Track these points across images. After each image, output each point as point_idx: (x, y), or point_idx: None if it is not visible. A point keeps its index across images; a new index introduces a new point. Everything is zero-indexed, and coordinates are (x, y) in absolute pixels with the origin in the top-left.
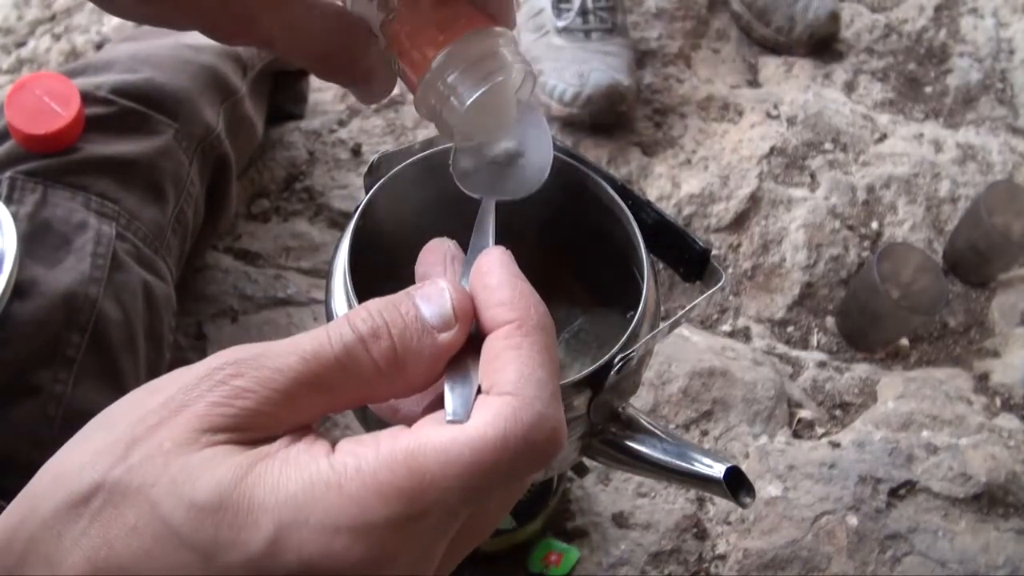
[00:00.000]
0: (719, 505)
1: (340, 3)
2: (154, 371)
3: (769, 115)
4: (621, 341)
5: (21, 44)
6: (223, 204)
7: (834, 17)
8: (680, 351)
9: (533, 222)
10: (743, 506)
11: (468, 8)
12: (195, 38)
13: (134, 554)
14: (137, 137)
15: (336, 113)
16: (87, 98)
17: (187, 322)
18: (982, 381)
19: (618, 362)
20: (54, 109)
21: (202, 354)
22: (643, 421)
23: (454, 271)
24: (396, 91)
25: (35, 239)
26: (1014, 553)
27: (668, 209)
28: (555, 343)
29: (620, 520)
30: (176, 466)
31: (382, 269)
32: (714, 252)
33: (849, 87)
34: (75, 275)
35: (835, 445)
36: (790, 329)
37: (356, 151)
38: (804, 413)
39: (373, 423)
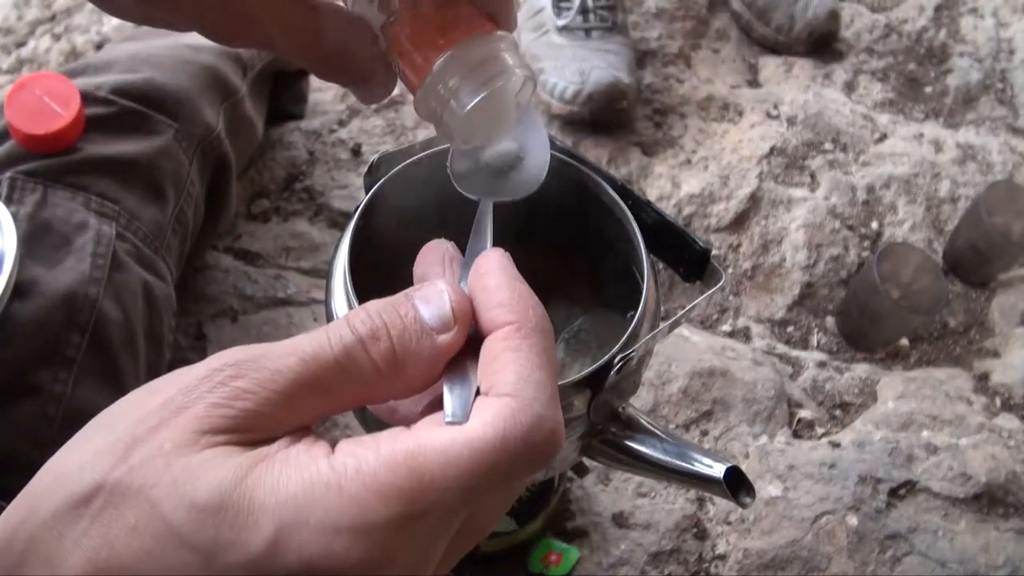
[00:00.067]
0: (719, 505)
1: (341, 3)
2: (154, 371)
3: (769, 115)
4: (621, 341)
5: (21, 44)
6: (223, 204)
7: (834, 16)
8: (680, 351)
9: (533, 222)
10: (743, 506)
11: (469, 10)
12: (195, 38)
13: (135, 554)
14: (137, 137)
15: (336, 113)
16: (87, 98)
17: (187, 322)
18: (982, 381)
19: (618, 362)
20: (54, 109)
21: (202, 354)
22: (643, 421)
23: (452, 272)
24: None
25: (35, 239)
26: (1014, 553)
27: (668, 209)
28: (553, 345)
29: (620, 520)
30: (177, 467)
31: (382, 269)
32: (714, 252)
33: (849, 87)
34: (75, 275)
35: (835, 445)
36: (790, 329)
37: (356, 151)
38: (804, 413)
39: (373, 423)
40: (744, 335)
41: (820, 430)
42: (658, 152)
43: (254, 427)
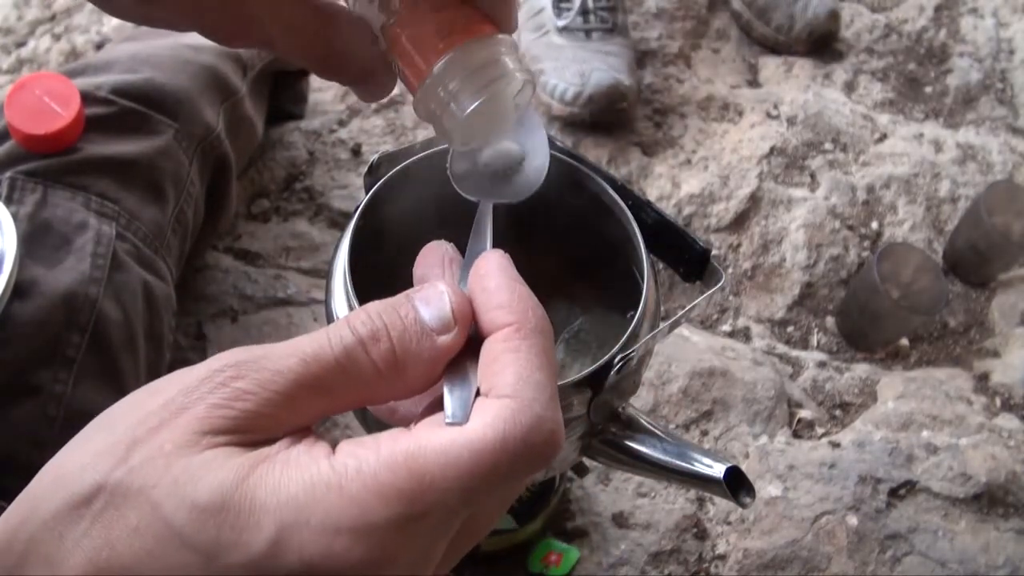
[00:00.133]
0: (719, 505)
1: (343, 3)
2: (154, 371)
3: (769, 115)
4: (621, 341)
5: (21, 44)
6: (223, 204)
7: (834, 16)
8: (680, 351)
9: (533, 222)
10: (743, 506)
11: (469, 11)
12: (195, 38)
13: (136, 555)
14: (137, 137)
15: (336, 113)
16: (87, 98)
17: (187, 322)
18: (982, 381)
19: (618, 362)
20: (54, 109)
21: (202, 354)
22: (643, 421)
23: (452, 274)
24: (396, 91)
25: (35, 239)
26: (1014, 553)
27: (668, 209)
28: (553, 346)
29: (620, 520)
30: (177, 468)
31: (382, 269)
32: (714, 252)
33: (849, 87)
34: (75, 275)
35: (835, 445)
36: (790, 329)
37: (356, 151)
38: (804, 413)
39: (373, 424)
40: (744, 335)
41: (820, 430)
42: (658, 152)
43: (255, 428)
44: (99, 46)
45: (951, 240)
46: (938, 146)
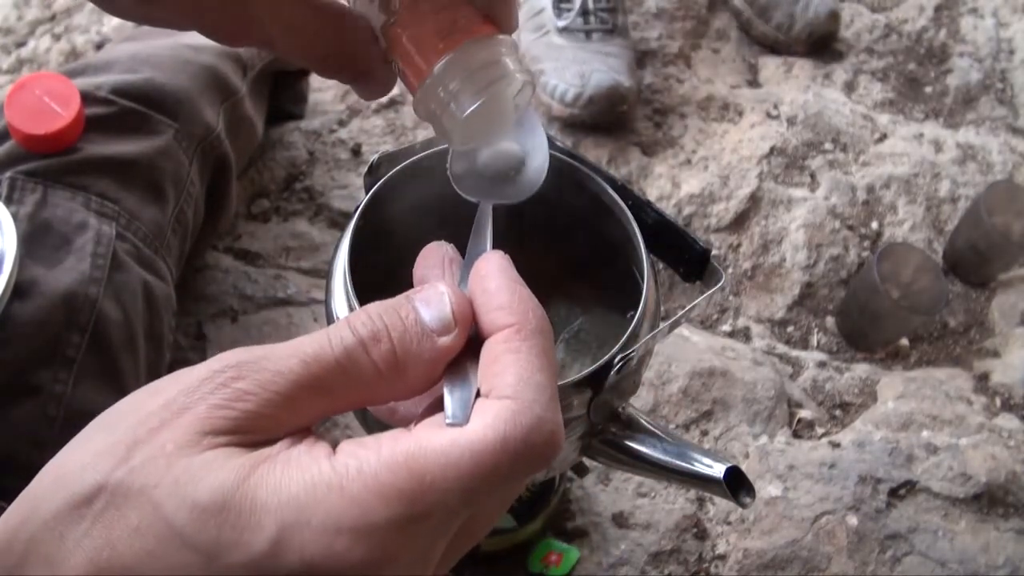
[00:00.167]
0: (719, 505)
1: (344, 2)
2: (154, 371)
3: (769, 115)
4: (621, 341)
5: (21, 44)
6: (223, 204)
7: (834, 16)
8: (680, 351)
9: (533, 222)
10: (743, 506)
11: (469, 11)
12: (195, 38)
13: (137, 555)
14: (137, 137)
15: (336, 113)
16: (87, 98)
17: (187, 322)
18: (982, 381)
19: (618, 362)
20: (54, 109)
21: (202, 354)
22: (643, 421)
23: (452, 275)
24: (396, 91)
25: (35, 239)
26: (1014, 553)
27: (668, 209)
28: (553, 347)
29: (620, 520)
30: (178, 468)
31: (382, 269)
32: (714, 252)
33: (849, 87)
34: (75, 275)
35: (835, 445)
36: (790, 329)
37: (356, 151)
38: (804, 413)
39: (373, 424)
40: (744, 335)
41: (820, 430)
42: (658, 152)
43: (255, 428)
44: (99, 46)
45: (951, 240)
46: (938, 146)
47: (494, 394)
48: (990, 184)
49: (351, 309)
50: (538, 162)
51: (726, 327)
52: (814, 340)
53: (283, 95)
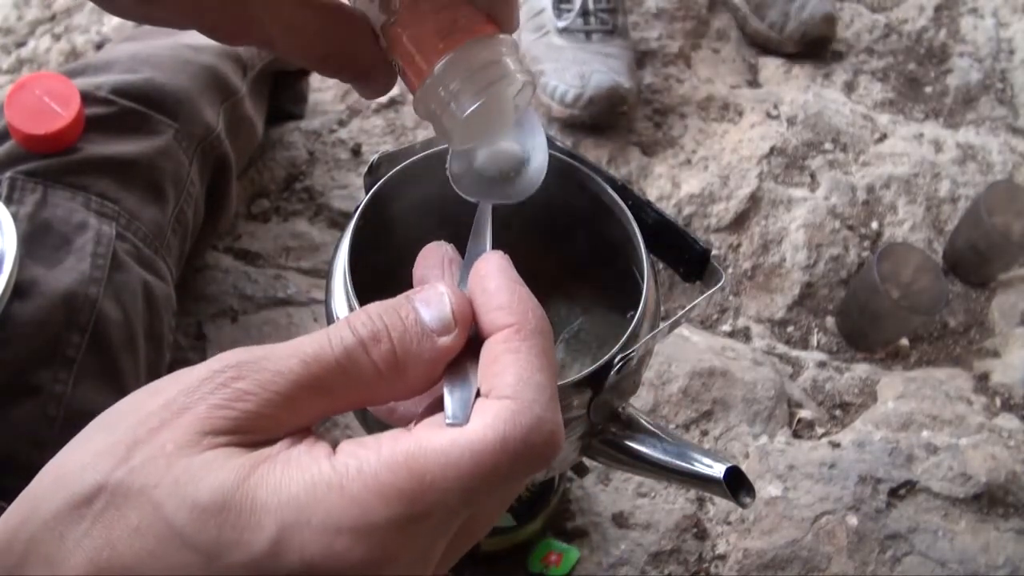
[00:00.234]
0: (719, 505)
1: (344, 1)
2: (154, 371)
3: (769, 115)
4: (621, 341)
5: (21, 44)
6: (223, 204)
7: (828, 20)
8: (680, 351)
9: (533, 222)
10: (743, 506)
11: (470, 11)
12: (195, 38)
13: (137, 555)
14: (137, 137)
15: (336, 113)
16: (87, 98)
17: (187, 322)
18: (982, 381)
19: (618, 362)
20: (54, 109)
21: (202, 354)
22: (643, 421)
23: (452, 275)
24: (396, 91)
25: (35, 239)
26: (1014, 553)
27: (668, 209)
28: (553, 347)
29: (620, 520)
30: (178, 468)
31: (382, 269)
32: (714, 252)
33: (849, 87)
34: (75, 275)
35: (835, 445)
36: (790, 329)
37: (356, 151)
38: (804, 413)
39: (373, 424)
40: (744, 335)
41: (820, 430)
42: (658, 152)
43: (255, 428)
44: (99, 46)
45: (951, 240)
46: (938, 146)
47: (494, 394)
48: (990, 184)
49: (351, 309)
50: (538, 162)
51: (726, 327)
52: (814, 340)
53: (283, 95)
